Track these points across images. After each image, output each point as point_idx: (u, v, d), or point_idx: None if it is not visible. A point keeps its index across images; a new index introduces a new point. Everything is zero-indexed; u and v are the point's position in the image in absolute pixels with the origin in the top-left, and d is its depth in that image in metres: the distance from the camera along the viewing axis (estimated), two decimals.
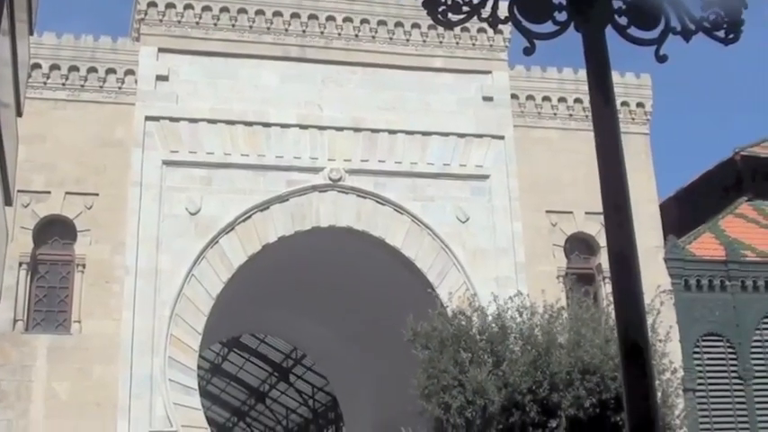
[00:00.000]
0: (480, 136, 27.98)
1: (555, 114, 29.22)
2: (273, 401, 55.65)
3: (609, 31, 6.12)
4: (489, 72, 28.76)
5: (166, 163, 25.76)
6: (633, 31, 6.04)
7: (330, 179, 26.53)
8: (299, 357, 46.27)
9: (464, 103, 28.27)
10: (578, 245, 28.36)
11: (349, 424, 38.60)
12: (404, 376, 19.10)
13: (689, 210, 34.70)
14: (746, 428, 28.34)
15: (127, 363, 23.86)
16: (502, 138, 28.13)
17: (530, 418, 17.07)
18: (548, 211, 27.87)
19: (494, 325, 18.33)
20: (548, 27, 5.94)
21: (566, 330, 17.82)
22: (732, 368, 28.72)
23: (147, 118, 25.93)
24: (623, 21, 5.98)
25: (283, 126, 26.78)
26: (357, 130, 27.18)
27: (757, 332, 29.30)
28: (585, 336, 17.34)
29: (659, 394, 17.68)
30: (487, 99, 28.44)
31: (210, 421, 28.83)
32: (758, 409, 28.57)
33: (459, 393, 17.48)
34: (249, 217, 25.96)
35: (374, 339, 31.51)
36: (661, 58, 7.54)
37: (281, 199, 26.25)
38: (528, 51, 5.92)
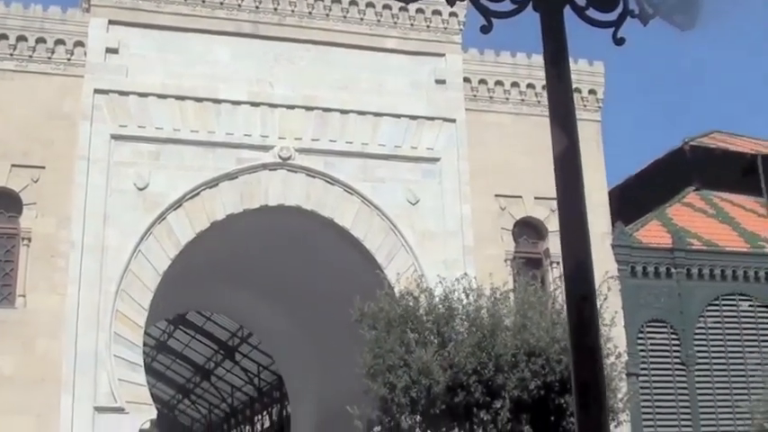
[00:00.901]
0: (432, 119, 27.98)
1: (507, 99, 29.28)
2: (219, 379, 55.57)
3: (567, 12, 6.11)
4: (443, 55, 28.72)
5: (115, 137, 25.47)
6: (591, 12, 6.04)
7: (280, 157, 26.39)
8: (246, 336, 46.20)
9: (417, 86, 28.24)
10: (527, 229, 28.50)
11: (294, 403, 38.57)
12: (350, 356, 19.10)
13: (637, 198, 35.03)
14: (688, 413, 28.70)
15: (72, 338, 23.63)
16: (453, 121, 28.14)
17: (474, 399, 17.14)
18: (497, 195, 27.95)
19: (440, 306, 18.37)
20: (506, 6, 5.92)
21: (512, 313, 17.92)
22: (675, 354, 29.05)
23: (96, 91, 25.61)
24: (581, 1, 5.97)
25: (234, 103, 26.59)
26: (308, 108, 27.04)
27: (701, 319, 29.64)
28: (532, 319, 17.44)
29: None
30: (440, 82, 28.43)
31: (155, 398, 28.62)
32: (699, 394, 28.94)
33: (404, 373, 17.52)
34: (198, 194, 25.77)
35: (321, 319, 31.50)
36: (618, 41, 7.56)
37: (231, 176, 26.08)
38: (485, 30, 5.90)
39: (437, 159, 27.65)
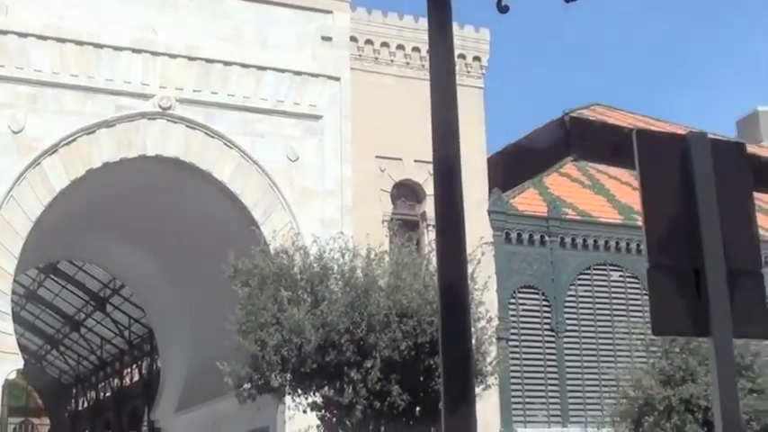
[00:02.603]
0: (316, 75, 27.80)
1: (392, 61, 29.26)
2: (88, 331, 54.73)
3: None
4: (330, 12, 28.51)
5: None
6: None
7: (160, 107, 25.94)
8: (118, 287, 45.51)
9: (303, 41, 28.00)
10: (405, 191, 28.61)
11: (164, 357, 38.21)
12: (222, 312, 18.92)
13: (516, 165, 35.44)
14: (555, 379, 29.27)
15: None
16: (338, 79, 28.01)
17: (345, 358, 17.13)
18: (377, 157, 27.98)
19: (315, 265, 18.28)
20: None
21: (386, 274, 17.91)
22: (545, 320, 29.56)
23: None
24: None
25: (116, 48, 25.98)
26: (191, 58, 26.60)
27: (572, 287, 30.20)
28: (406, 280, 17.45)
29: (473, 341, 17.99)
30: (326, 39, 28.24)
31: (23, 348, 28.11)
32: (567, 360, 29.53)
33: (276, 331, 17.40)
34: (74, 140, 25.17)
35: (195, 273, 31.21)
36: (502, 9, 7.56)
37: (109, 124, 25.55)
38: None
39: (319, 117, 27.50)
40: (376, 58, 29.14)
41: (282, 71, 27.46)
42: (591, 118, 38.19)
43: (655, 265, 6.07)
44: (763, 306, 6.47)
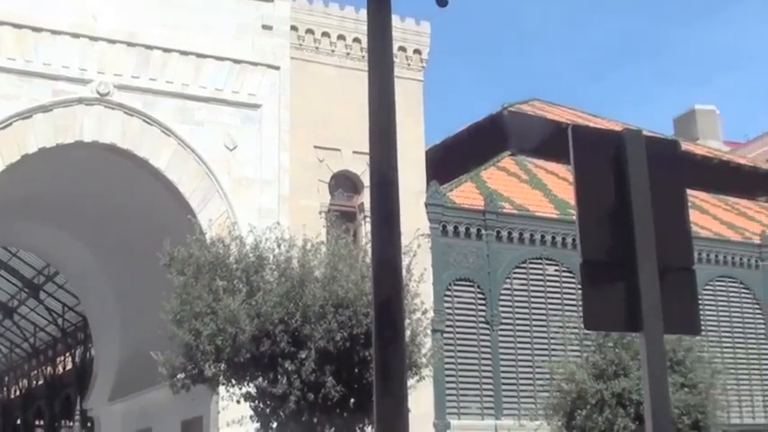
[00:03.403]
0: (256, 64, 27.66)
1: (333, 51, 29.19)
2: (22, 318, 54.15)
3: None
4: (271, 0, 28.35)
5: None
6: None
7: (98, 93, 25.66)
8: (52, 274, 45.05)
9: (243, 29, 27.81)
10: (343, 182, 28.58)
11: (98, 345, 37.84)
12: (157, 301, 18.75)
13: (455, 158, 35.55)
14: (489, 371, 29.43)
15: None
16: (278, 68, 27.89)
17: (280, 349, 17.07)
18: (316, 147, 27.92)
19: (251, 255, 18.20)
20: None
21: (322, 265, 17.87)
22: (480, 313, 29.71)
23: None
24: None
25: (54, 32, 25.62)
26: (131, 44, 26.33)
27: (507, 281, 30.37)
28: (342, 271, 17.42)
29: (408, 333, 18.04)
30: (267, 27, 28.09)
31: None
32: (501, 353, 29.72)
33: (211, 321, 17.29)
34: (10, 124, 24.83)
35: (130, 262, 30.94)
36: (441, 2, 7.56)
37: (45, 109, 25.22)
38: None
39: (258, 106, 27.37)
40: (316, 48, 29.06)
41: (222, 59, 27.29)
42: (529, 112, 38.43)
43: (587, 259, 6.10)
44: (693, 302, 6.54)
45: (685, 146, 44.36)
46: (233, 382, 18.10)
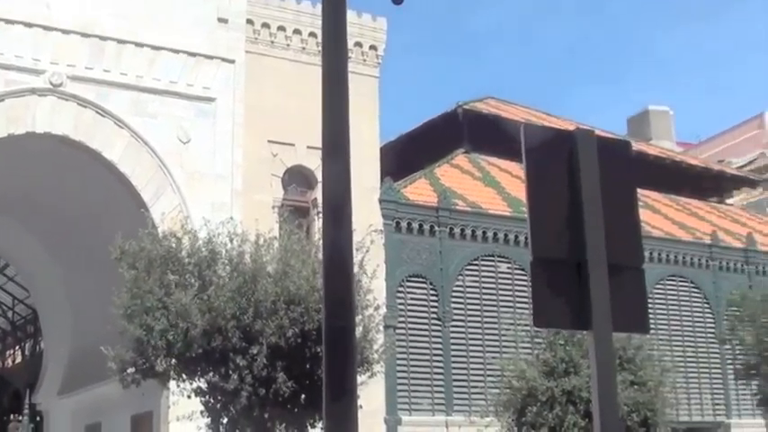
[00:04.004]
0: (211, 57, 27.52)
1: (288, 45, 29.10)
2: None
3: None
4: None
5: None
6: None
7: (51, 83, 25.41)
8: (2, 267, 44.58)
9: (199, 22, 27.64)
10: (297, 177, 28.50)
11: (48, 338, 37.55)
12: (108, 295, 18.62)
13: (409, 155, 35.62)
14: (441, 367, 29.50)
15: None
16: (233, 62, 27.78)
17: (231, 344, 17.02)
18: (270, 141, 27.82)
19: (203, 249, 18.12)
20: None
21: (275, 260, 17.83)
22: (433, 309, 29.76)
23: None
24: None
25: (7, 22, 25.31)
26: (85, 35, 26.07)
27: (459, 278, 30.45)
28: (294, 267, 17.38)
29: (360, 329, 18.05)
30: (222, 21, 27.97)
31: None
32: (453, 350, 29.79)
33: (162, 315, 17.21)
34: None
35: (81, 254, 30.71)
36: (397, 0, 7.56)
37: None
38: None
39: (213, 99, 27.25)
40: (272, 42, 28.95)
41: (177, 52, 27.12)
42: (484, 111, 38.56)
43: (538, 257, 6.13)
44: (642, 301, 6.59)
45: (638, 146, 44.78)
46: (184, 377, 18.03)
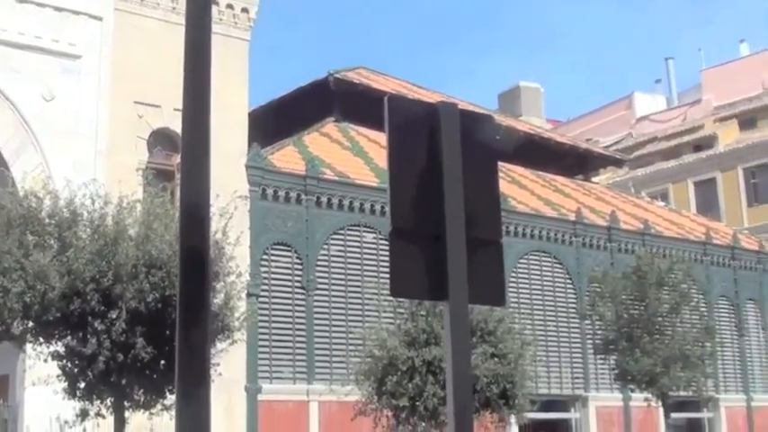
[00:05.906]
0: (78, 13, 26.80)
1: (158, 4, 28.54)
2: None
3: None
4: None
5: None
6: None
7: None
8: None
9: None
10: (162, 140, 28.05)
11: None
12: None
13: (278, 122, 35.45)
14: (303, 336, 29.52)
15: None
16: (100, 19, 27.13)
17: (90, 307, 16.72)
18: (136, 102, 27.28)
19: (65, 210, 17.73)
20: None
21: (137, 224, 17.54)
22: (297, 278, 29.72)
23: None
24: None
25: None
26: None
27: (325, 246, 30.47)
28: (156, 230, 17.12)
29: (222, 296, 17.94)
30: None
31: None
32: (316, 319, 29.84)
33: (19, 277, 16.82)
34: None
35: None
36: None
37: None
38: None
39: (78, 57, 26.59)
40: (141, 1, 28.38)
41: (43, 6, 26.36)
42: (355, 80, 38.57)
43: (396, 227, 6.16)
44: (499, 274, 6.68)
45: (508, 121, 45.44)
46: (41, 340, 17.66)
